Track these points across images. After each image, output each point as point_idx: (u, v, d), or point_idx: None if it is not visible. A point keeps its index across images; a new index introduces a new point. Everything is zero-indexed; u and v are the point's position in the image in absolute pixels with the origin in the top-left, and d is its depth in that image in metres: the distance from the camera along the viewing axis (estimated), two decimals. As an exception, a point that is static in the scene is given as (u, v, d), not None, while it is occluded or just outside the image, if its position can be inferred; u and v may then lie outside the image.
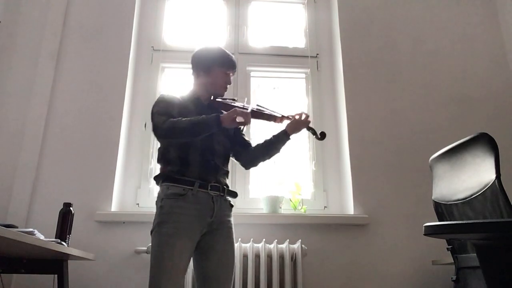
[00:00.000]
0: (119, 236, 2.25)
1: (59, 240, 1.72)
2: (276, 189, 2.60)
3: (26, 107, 2.43)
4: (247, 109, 1.76)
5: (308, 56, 2.87)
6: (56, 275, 1.81)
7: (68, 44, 2.60)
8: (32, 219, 2.23)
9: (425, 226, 1.05)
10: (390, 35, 2.83)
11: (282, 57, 2.88)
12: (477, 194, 1.20)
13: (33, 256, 1.76)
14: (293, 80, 2.94)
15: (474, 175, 1.23)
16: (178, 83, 2.81)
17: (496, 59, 2.86)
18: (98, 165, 2.36)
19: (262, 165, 1.90)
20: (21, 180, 2.28)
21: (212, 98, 1.83)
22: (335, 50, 2.86)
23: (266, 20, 3.03)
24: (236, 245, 2.12)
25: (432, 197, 1.49)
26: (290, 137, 1.82)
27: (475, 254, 1.18)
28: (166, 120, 1.59)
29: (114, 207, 2.33)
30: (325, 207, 2.58)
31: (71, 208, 1.86)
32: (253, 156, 1.86)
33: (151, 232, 1.60)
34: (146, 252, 2.17)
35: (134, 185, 2.51)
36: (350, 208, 2.45)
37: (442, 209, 1.43)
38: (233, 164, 2.56)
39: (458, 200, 1.30)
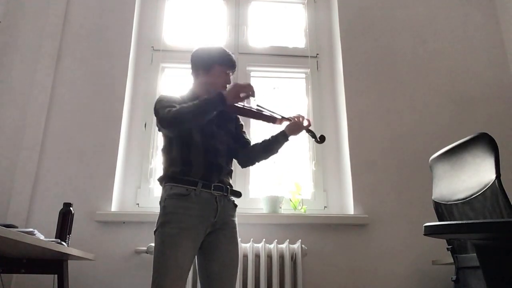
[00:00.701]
0: (119, 236, 2.25)
1: (59, 240, 1.72)
2: (276, 189, 2.60)
3: (26, 107, 2.44)
4: (249, 107, 1.75)
5: (308, 56, 2.87)
6: (56, 275, 1.81)
7: (68, 44, 2.60)
8: (32, 219, 2.24)
9: (425, 226, 1.05)
10: (390, 35, 2.83)
11: (282, 57, 2.88)
12: (477, 194, 1.20)
13: (33, 256, 1.76)
14: (293, 80, 2.94)
15: (474, 175, 1.23)
16: (178, 83, 2.81)
17: (496, 59, 2.86)
18: (98, 165, 2.36)
19: (258, 164, 1.89)
20: (21, 180, 2.28)
21: None
22: (335, 50, 2.86)
23: (266, 20, 3.03)
24: (236, 245, 2.14)
25: (432, 197, 1.49)
26: (289, 138, 1.81)
27: (475, 254, 1.18)
28: (170, 110, 1.58)
29: (114, 207, 2.33)
30: (325, 207, 2.58)
31: (71, 208, 1.86)
32: (250, 155, 1.85)
33: (155, 232, 1.59)
34: (146, 252, 2.17)
35: (134, 185, 2.51)
36: (350, 208, 2.45)
37: (442, 209, 1.43)
38: (233, 163, 2.57)
39: (458, 200, 1.30)
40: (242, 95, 1.62)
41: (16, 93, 2.47)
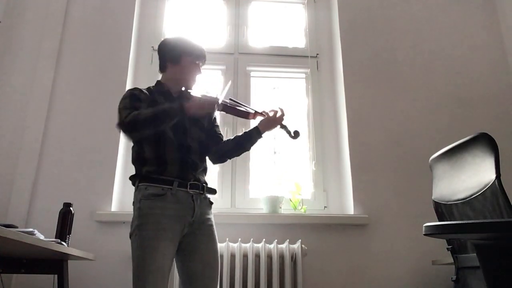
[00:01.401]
0: (119, 236, 2.24)
1: (59, 240, 1.72)
2: (276, 189, 2.60)
3: (26, 107, 2.43)
4: (223, 101, 1.68)
5: (308, 56, 2.87)
6: (56, 275, 1.81)
7: (68, 44, 2.60)
8: (32, 219, 2.23)
9: (425, 226, 1.05)
10: (390, 35, 2.83)
11: (282, 57, 2.88)
12: (477, 194, 1.20)
13: (33, 256, 1.76)
14: (293, 80, 2.94)
15: (474, 175, 1.23)
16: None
17: (496, 59, 2.86)
18: (98, 165, 2.36)
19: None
20: (21, 180, 2.28)
21: (183, 89, 1.75)
22: (335, 50, 2.86)
23: (266, 20, 3.03)
24: (236, 245, 2.13)
25: (432, 197, 1.49)
26: (263, 135, 1.74)
27: (475, 254, 1.18)
28: (129, 114, 1.53)
29: (114, 207, 2.33)
30: (325, 207, 2.58)
31: (71, 208, 1.86)
32: (221, 152, 1.77)
33: (130, 235, 1.53)
34: (146, 252, 2.16)
35: (134, 185, 2.51)
36: (350, 208, 2.45)
37: (442, 209, 1.43)
38: (233, 163, 2.57)
39: (458, 200, 1.30)
40: (205, 111, 1.56)
41: (16, 93, 2.47)
